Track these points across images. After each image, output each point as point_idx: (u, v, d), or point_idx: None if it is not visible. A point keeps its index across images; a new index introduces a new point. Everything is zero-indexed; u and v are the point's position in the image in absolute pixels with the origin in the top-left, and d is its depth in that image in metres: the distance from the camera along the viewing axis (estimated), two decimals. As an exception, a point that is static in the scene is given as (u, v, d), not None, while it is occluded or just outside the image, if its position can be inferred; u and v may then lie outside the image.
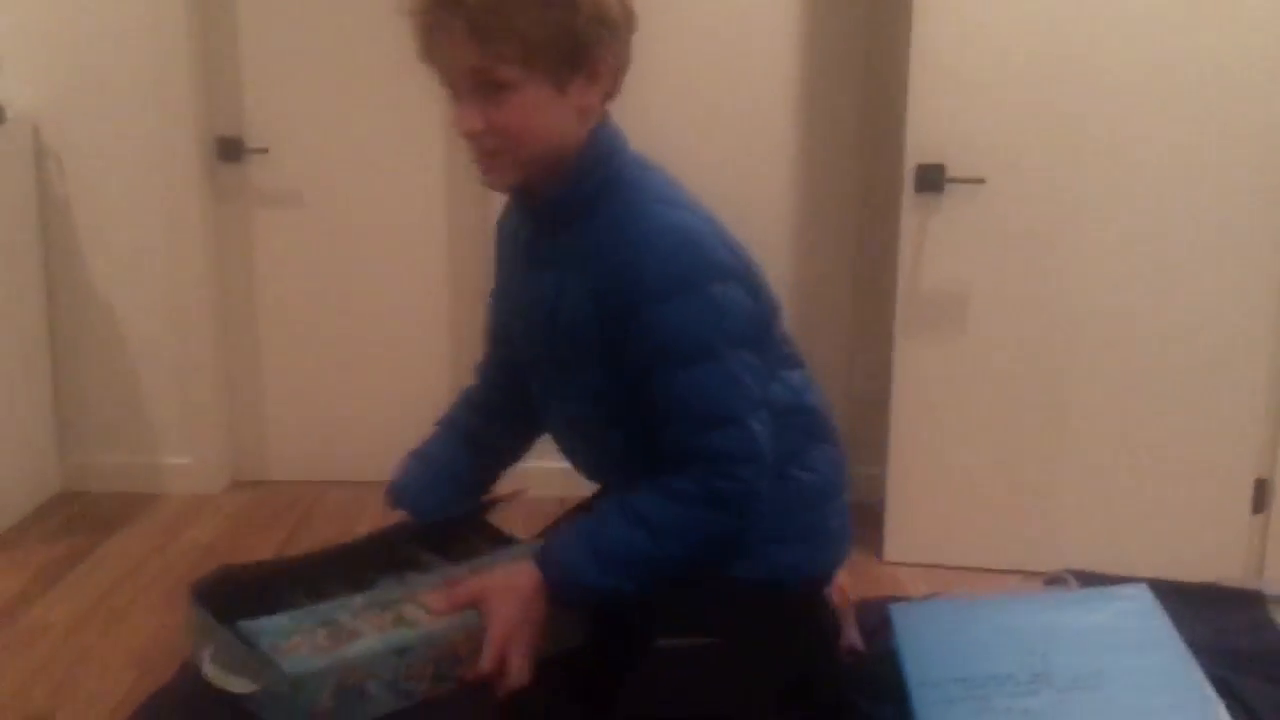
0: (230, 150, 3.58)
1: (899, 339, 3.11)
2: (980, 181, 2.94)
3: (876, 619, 1.68)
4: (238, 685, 1.23)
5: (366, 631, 1.28)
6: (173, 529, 3.40)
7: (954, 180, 2.95)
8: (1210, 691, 1.39)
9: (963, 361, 3.07)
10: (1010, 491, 3.11)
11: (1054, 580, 1.86)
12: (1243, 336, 2.98)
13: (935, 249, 3.03)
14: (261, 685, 1.22)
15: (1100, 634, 1.51)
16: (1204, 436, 3.03)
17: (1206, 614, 1.68)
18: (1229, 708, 1.37)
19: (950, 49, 2.91)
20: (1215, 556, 2.99)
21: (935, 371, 3.09)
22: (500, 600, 1.28)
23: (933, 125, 2.95)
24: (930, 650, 1.51)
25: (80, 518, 3.47)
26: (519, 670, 1.28)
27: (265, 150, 3.57)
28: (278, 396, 3.76)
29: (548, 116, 1.31)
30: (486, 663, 1.27)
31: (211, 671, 1.26)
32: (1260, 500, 3.07)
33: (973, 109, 2.92)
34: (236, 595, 1.32)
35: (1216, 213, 2.92)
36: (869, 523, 3.32)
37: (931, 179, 2.96)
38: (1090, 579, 1.78)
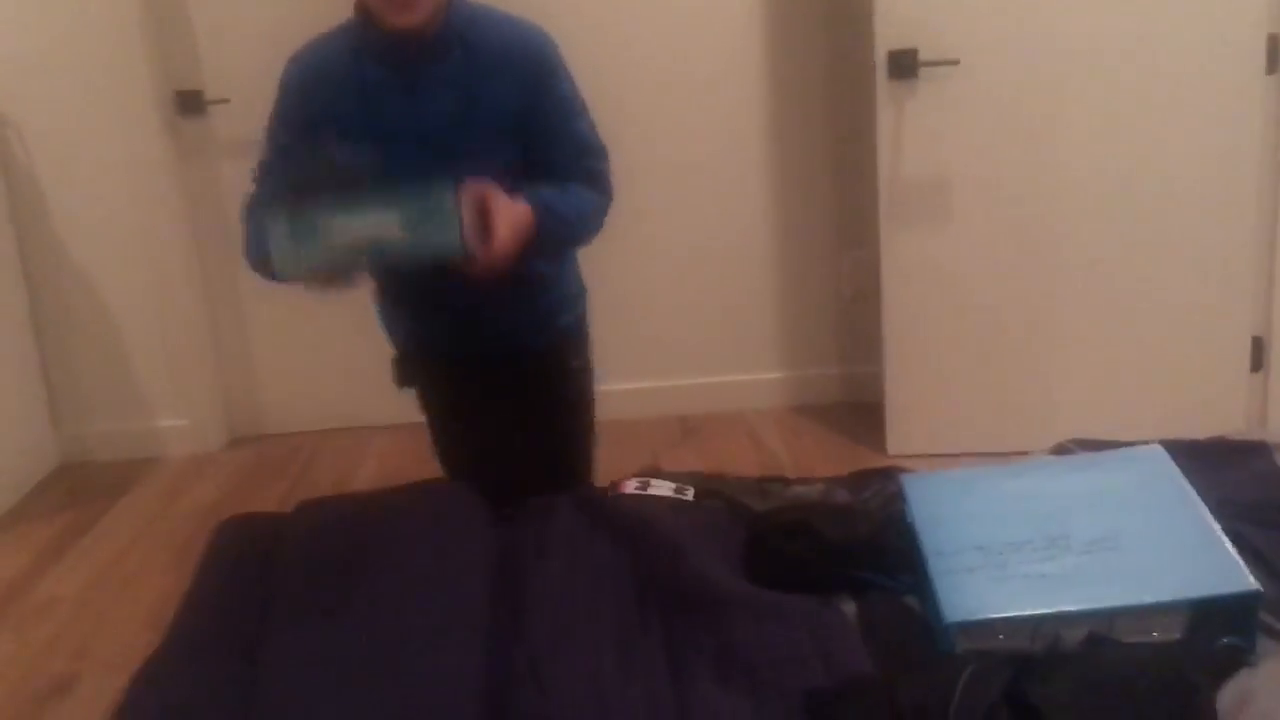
0: (191, 104, 3.50)
1: (885, 231, 3.08)
2: (954, 63, 2.89)
3: (887, 489, 1.67)
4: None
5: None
6: (175, 491, 3.39)
7: (927, 64, 2.90)
8: (1224, 541, 1.39)
9: (950, 248, 3.05)
10: (1009, 372, 3.11)
11: (1061, 451, 1.85)
12: (1233, 197, 2.95)
13: (913, 136, 2.99)
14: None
15: (1115, 495, 1.50)
16: (1198, 298, 3.02)
17: (1216, 469, 1.67)
18: (1244, 558, 1.36)
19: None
20: (1216, 416, 2.99)
21: (924, 261, 3.07)
22: (509, 208, 1.66)
23: (902, 10, 2.89)
24: (945, 519, 1.50)
25: (82, 489, 3.46)
26: (500, 257, 1.63)
27: (227, 101, 3.49)
28: (266, 349, 3.73)
29: None
30: (496, 242, 1.61)
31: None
32: (1258, 358, 3.07)
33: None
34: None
35: (1199, 73, 2.88)
36: (871, 419, 3.33)
37: (905, 64, 2.91)
38: (1096, 447, 1.76)
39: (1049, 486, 1.55)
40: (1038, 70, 2.90)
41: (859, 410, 3.53)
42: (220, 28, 3.45)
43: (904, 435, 3.20)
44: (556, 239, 1.81)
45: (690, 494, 1.76)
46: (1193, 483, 1.51)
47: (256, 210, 1.80)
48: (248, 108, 3.46)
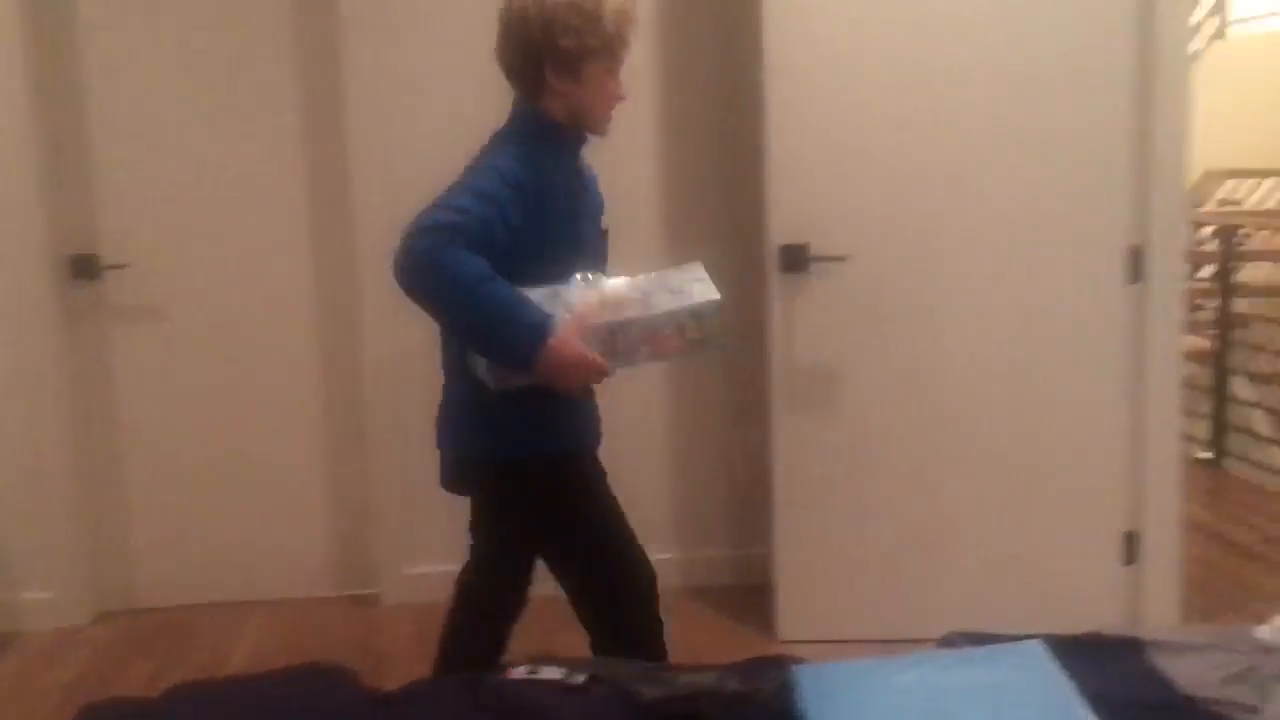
0: (85, 268, 3.46)
1: (776, 418, 3.16)
2: (842, 259, 3.03)
3: (779, 678, 1.66)
4: None
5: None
6: (34, 669, 3.20)
7: (818, 259, 3.04)
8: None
9: (839, 435, 3.13)
10: (897, 560, 3.16)
11: (947, 643, 1.88)
12: (1100, 398, 3.11)
13: (804, 327, 3.10)
14: None
15: (999, 692, 1.52)
16: (1073, 493, 3.13)
17: (1091, 665, 1.71)
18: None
19: (805, 135, 3.01)
20: (1092, 610, 3.07)
21: (813, 448, 3.14)
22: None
23: (794, 208, 3.04)
24: (834, 712, 1.50)
25: (-68, 664, 3.24)
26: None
27: (124, 266, 3.46)
28: (143, 521, 3.60)
29: None
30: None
31: None
32: (1130, 552, 3.18)
33: (831, 189, 3.03)
34: None
35: (1073, 279, 3.06)
36: (761, 603, 3.33)
37: (796, 259, 3.04)
38: (980, 640, 1.80)
39: (935, 681, 1.57)
40: (921, 269, 3.06)
41: (749, 593, 3.53)
42: (123, 192, 3.45)
43: (794, 620, 3.21)
44: None
45: (581, 679, 1.74)
46: (1070, 678, 1.55)
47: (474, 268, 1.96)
48: (145, 273, 3.47)
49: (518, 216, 2.02)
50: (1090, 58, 2.98)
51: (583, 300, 2.02)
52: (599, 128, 2.17)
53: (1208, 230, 5.88)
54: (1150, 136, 3.01)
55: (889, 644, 3.06)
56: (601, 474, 2.36)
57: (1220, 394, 5.07)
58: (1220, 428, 5.04)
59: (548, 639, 3.23)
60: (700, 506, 3.67)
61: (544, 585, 3.50)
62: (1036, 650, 1.61)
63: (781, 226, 3.05)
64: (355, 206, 3.40)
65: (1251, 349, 5.62)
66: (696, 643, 3.28)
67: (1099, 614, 3.07)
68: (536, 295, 2.00)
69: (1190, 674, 1.78)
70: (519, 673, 1.75)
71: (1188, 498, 4.32)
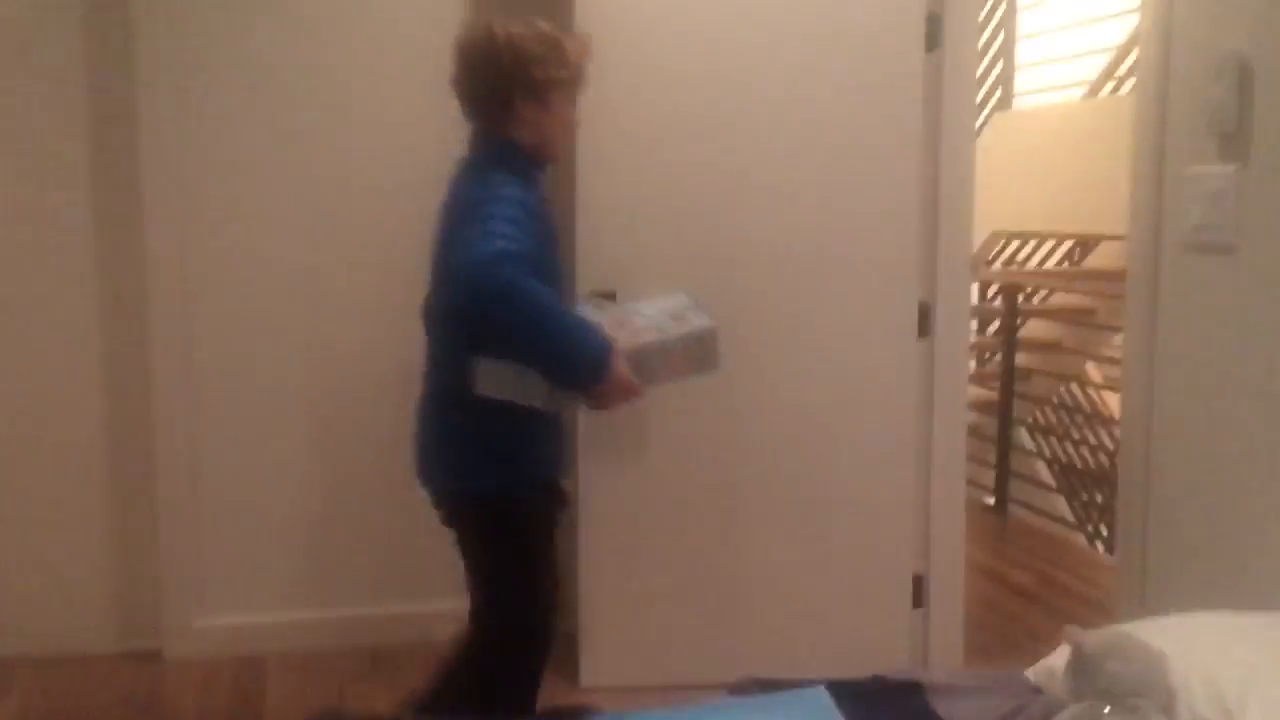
0: None
1: (582, 466, 3.15)
2: (646, 309, 3.07)
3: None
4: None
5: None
6: None
7: (626, 307, 3.06)
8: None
9: (642, 482, 3.15)
10: (696, 606, 3.19)
11: (737, 689, 1.91)
12: (890, 446, 3.23)
13: (612, 374, 3.11)
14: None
15: (782, 738, 1.56)
16: (865, 539, 3.23)
17: (874, 710, 1.77)
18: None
19: (614, 185, 3.05)
20: (884, 651, 3.18)
21: (617, 493, 3.15)
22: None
23: (601, 256, 3.06)
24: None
25: None
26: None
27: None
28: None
29: None
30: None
31: None
32: (919, 595, 3.30)
33: (639, 239, 3.06)
34: None
35: (866, 332, 3.18)
36: (564, 649, 3.29)
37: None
38: (770, 685, 1.83)
39: (724, 729, 1.59)
40: (724, 322, 3.09)
41: (554, 641, 3.50)
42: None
43: (597, 667, 3.20)
44: None
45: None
46: (854, 723, 1.59)
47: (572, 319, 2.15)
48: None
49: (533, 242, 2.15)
50: (883, 123, 3.12)
51: (610, 324, 2.20)
52: (558, 155, 2.32)
53: (994, 288, 6.23)
54: (938, 197, 3.16)
55: (689, 689, 3.10)
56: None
57: (1004, 443, 5.35)
58: (1004, 475, 5.31)
59: (340, 691, 3.14)
60: (505, 553, 3.63)
61: (331, 637, 3.42)
62: (819, 697, 1.65)
63: (589, 274, 3.07)
64: (146, 235, 3.24)
65: (1034, 401, 5.96)
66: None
67: (890, 655, 3.18)
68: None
69: (965, 716, 1.86)
70: (301, 732, 1.68)
71: (974, 542, 4.55)
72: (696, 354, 2.26)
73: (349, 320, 3.42)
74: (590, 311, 2.33)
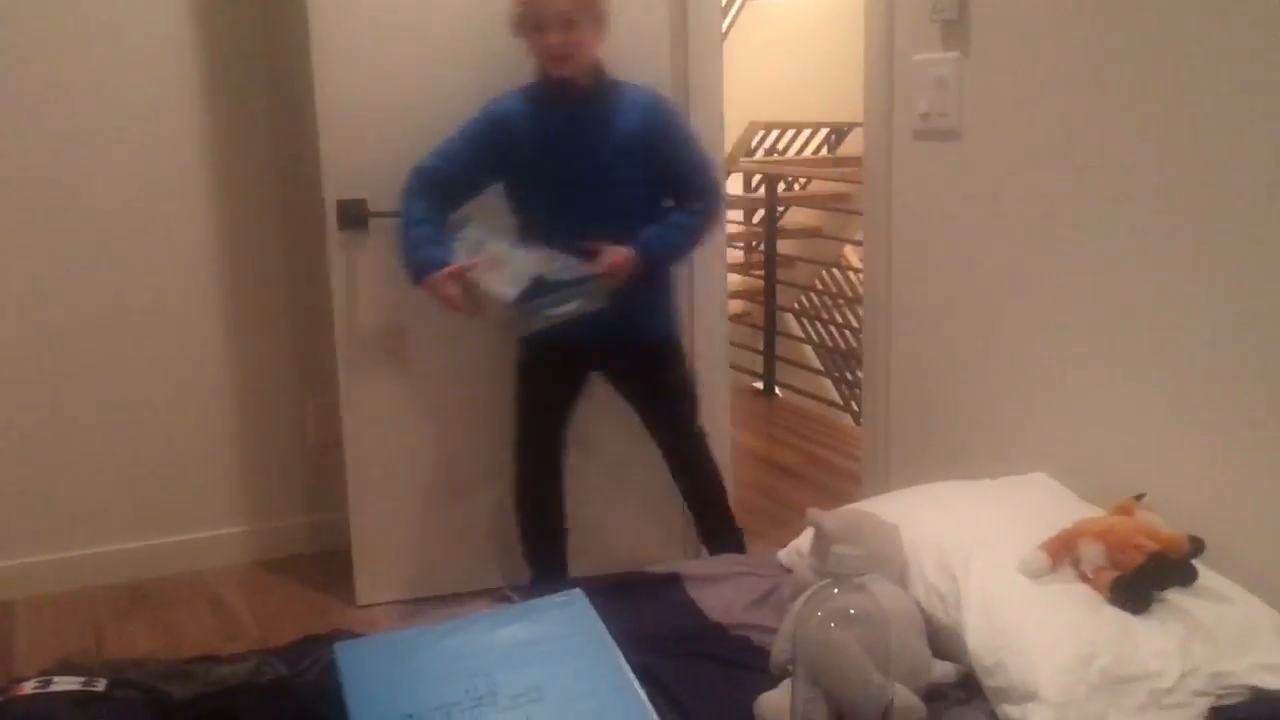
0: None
1: (344, 377, 3.06)
2: (398, 215, 2.96)
3: (326, 658, 1.61)
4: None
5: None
6: None
7: (376, 214, 2.95)
8: (634, 684, 1.48)
9: (406, 393, 3.09)
10: (464, 516, 3.18)
11: (501, 599, 1.91)
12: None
13: (367, 285, 3.02)
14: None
15: (538, 645, 1.56)
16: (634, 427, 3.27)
17: (634, 604, 1.80)
18: (650, 693, 1.46)
19: (354, 89, 2.91)
20: (654, 543, 3.26)
21: (383, 406, 3.08)
22: (617, 251, 2.65)
23: (348, 163, 2.93)
24: (378, 687, 1.47)
25: None
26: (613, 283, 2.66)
27: None
28: None
29: (593, 42, 2.68)
30: (611, 268, 2.64)
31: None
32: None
33: (385, 144, 2.93)
34: None
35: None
36: (338, 569, 3.24)
37: (354, 214, 2.95)
38: (530, 593, 1.84)
39: (480, 642, 1.58)
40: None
41: (329, 560, 3.42)
42: None
43: (372, 583, 3.16)
44: (667, 255, 2.80)
45: (101, 685, 1.59)
46: (612, 621, 1.61)
47: (419, 212, 2.71)
48: None
49: (481, 156, 2.74)
50: (631, 25, 3.07)
51: (483, 259, 2.64)
52: (555, 71, 2.67)
53: (756, 179, 6.37)
54: (689, 86, 3.14)
55: (466, 596, 3.11)
56: None
57: (770, 329, 5.52)
58: (770, 360, 5.50)
59: (98, 633, 3.00)
60: (272, 474, 3.51)
61: (89, 575, 3.25)
62: (577, 599, 1.66)
63: (337, 182, 2.94)
64: None
65: (798, 288, 6.17)
66: (277, 614, 3.15)
67: (662, 548, 3.26)
68: (468, 239, 2.69)
69: (721, 602, 1.92)
70: (28, 687, 1.57)
71: (744, 427, 4.70)
72: (520, 302, 2.59)
73: (103, 242, 3.19)
74: (470, 233, 2.70)
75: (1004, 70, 2.25)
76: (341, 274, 3.00)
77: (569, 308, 2.60)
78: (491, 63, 2.96)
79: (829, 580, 1.39)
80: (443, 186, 2.72)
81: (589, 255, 2.63)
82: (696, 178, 2.78)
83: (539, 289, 2.59)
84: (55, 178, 3.16)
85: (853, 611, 1.35)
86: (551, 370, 2.89)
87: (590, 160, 2.68)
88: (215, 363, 3.40)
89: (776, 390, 5.51)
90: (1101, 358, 2.09)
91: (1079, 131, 2.08)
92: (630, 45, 3.06)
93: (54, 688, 1.57)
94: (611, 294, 2.64)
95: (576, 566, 3.01)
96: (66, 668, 1.62)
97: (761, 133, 6.84)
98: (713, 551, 2.98)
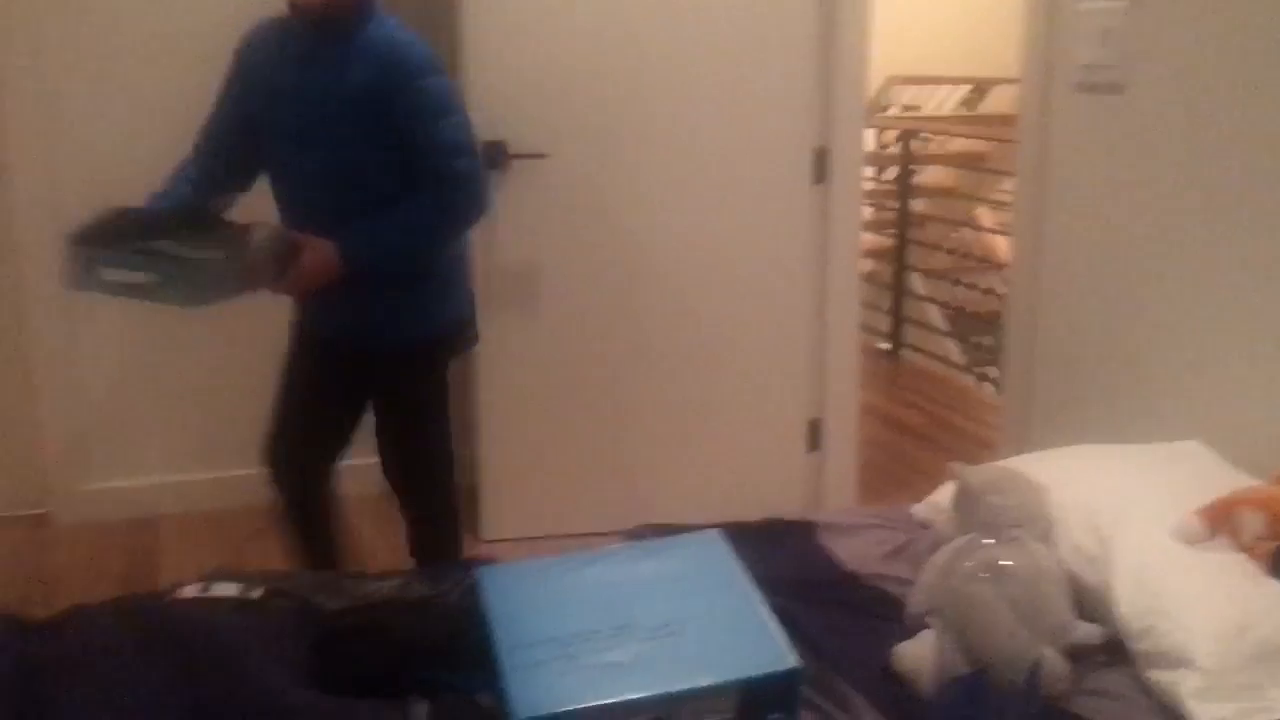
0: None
1: (481, 320, 3.10)
2: (542, 156, 2.99)
3: (467, 581, 1.65)
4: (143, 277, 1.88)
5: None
6: None
7: (517, 156, 2.98)
8: (773, 624, 1.48)
9: (541, 333, 3.13)
10: (595, 457, 3.21)
11: (635, 535, 1.93)
12: (786, 292, 3.24)
13: (505, 225, 3.05)
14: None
15: (677, 580, 1.57)
16: (760, 387, 3.27)
17: (768, 549, 1.80)
18: (789, 635, 1.46)
19: (502, 32, 2.93)
20: (780, 496, 3.25)
21: (516, 346, 3.13)
22: (315, 248, 2.09)
23: (492, 105, 2.95)
24: (519, 612, 1.50)
25: None
26: (299, 285, 2.12)
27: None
28: None
29: None
30: (304, 267, 2.07)
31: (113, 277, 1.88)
32: (814, 439, 3.37)
33: (529, 88, 2.96)
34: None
35: (761, 179, 3.15)
36: (467, 503, 3.30)
37: (494, 156, 2.97)
38: (666, 531, 1.85)
39: (617, 574, 1.60)
40: (617, 168, 3.07)
41: (454, 494, 3.50)
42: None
43: (498, 519, 3.22)
44: (378, 257, 2.15)
45: (258, 593, 1.66)
46: (747, 564, 1.61)
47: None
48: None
49: (230, 97, 2.25)
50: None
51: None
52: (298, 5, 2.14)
53: (893, 134, 6.23)
54: (833, 43, 3.10)
55: (592, 538, 3.14)
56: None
57: (898, 289, 5.43)
58: (898, 321, 5.41)
59: (237, 551, 3.12)
60: (403, 409, 3.59)
61: (227, 497, 3.37)
62: (714, 539, 1.67)
63: (479, 123, 2.95)
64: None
65: (927, 247, 6.04)
66: (401, 547, 3.24)
67: (785, 499, 3.25)
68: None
69: (854, 552, 1.91)
70: (189, 591, 1.65)
71: (868, 387, 4.64)
72: (153, 279, 1.93)
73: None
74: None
75: (1176, 21, 2.15)
76: (481, 213, 3.03)
77: (135, 278, 1.90)
78: (635, 19, 2.97)
79: (978, 533, 1.36)
80: (210, 139, 2.26)
81: (243, 235, 2.03)
82: (433, 160, 2.11)
83: (106, 237, 1.94)
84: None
85: (1005, 563, 1.33)
86: (310, 358, 2.37)
87: (315, 113, 2.11)
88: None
89: (900, 352, 5.43)
90: (1261, 325, 2.00)
91: (1253, 87, 1.98)
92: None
93: (213, 592, 1.64)
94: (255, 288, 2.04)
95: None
96: (225, 574, 1.69)
97: (901, 87, 6.69)
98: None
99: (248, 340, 3.38)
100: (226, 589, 1.65)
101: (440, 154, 2.10)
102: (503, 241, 3.06)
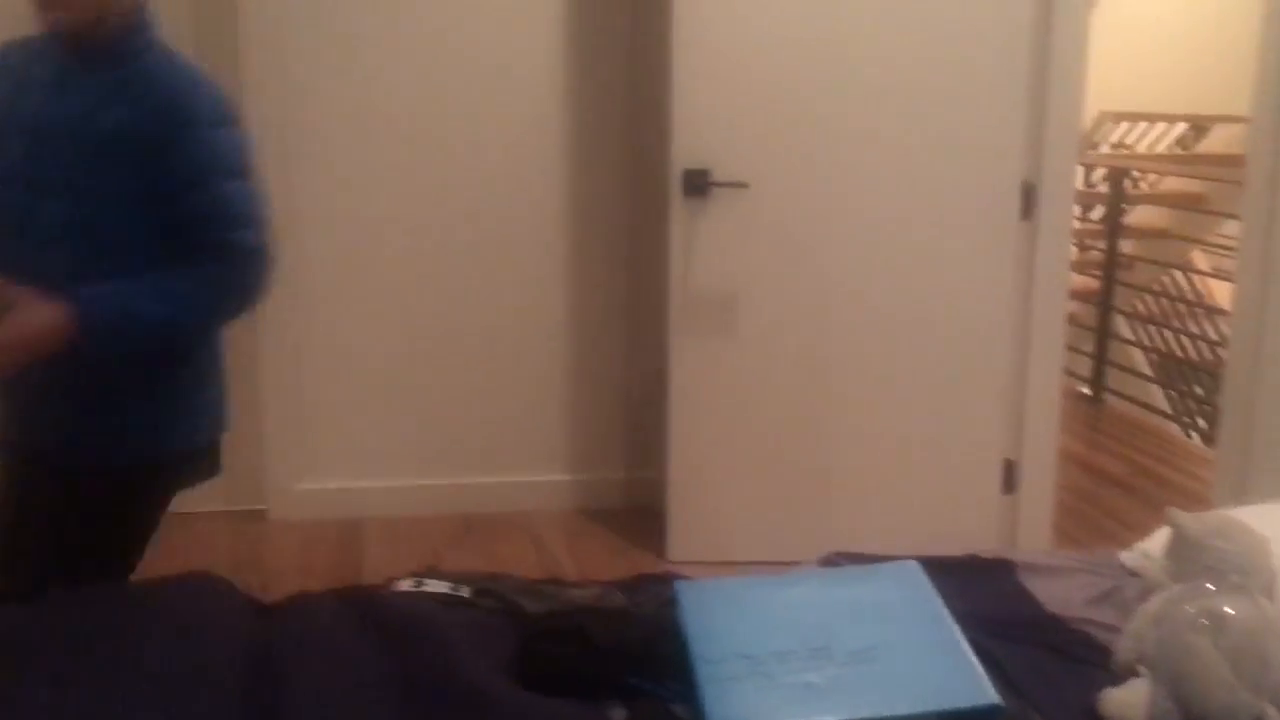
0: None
1: (673, 342, 3.16)
2: (744, 186, 3.03)
3: (662, 594, 1.69)
4: None
5: None
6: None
7: (719, 184, 3.03)
8: (972, 657, 1.46)
9: (734, 361, 3.15)
10: (784, 485, 3.21)
11: (828, 562, 1.93)
12: (987, 330, 3.18)
13: (704, 252, 3.10)
14: None
15: (875, 608, 1.56)
16: (956, 424, 3.21)
17: (966, 585, 1.77)
18: (988, 672, 1.44)
19: (710, 62, 2.99)
20: (972, 535, 3.16)
21: (709, 372, 3.16)
22: (34, 310, 1.63)
23: (697, 133, 3.02)
24: (715, 627, 1.53)
25: None
26: (6, 361, 1.64)
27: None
28: None
29: None
30: (12, 330, 1.61)
31: None
32: (1009, 481, 3.28)
33: (734, 117, 3.01)
34: None
35: (967, 212, 3.11)
36: (651, 524, 3.37)
37: (698, 184, 3.03)
38: (860, 560, 1.84)
39: (814, 598, 1.60)
40: (819, 198, 3.08)
41: (641, 515, 3.56)
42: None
43: (684, 542, 3.25)
44: (123, 329, 1.70)
45: (466, 592, 1.74)
46: (944, 598, 1.60)
47: None
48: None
49: None
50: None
51: None
52: (39, 15, 1.73)
53: (1100, 172, 6.03)
54: (1047, 76, 3.05)
55: (776, 565, 3.14)
56: None
57: (1103, 332, 5.23)
58: (1101, 364, 5.21)
59: (435, 555, 3.25)
60: (595, 429, 3.68)
61: (427, 504, 3.52)
62: (913, 569, 1.65)
63: (684, 151, 3.03)
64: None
65: (1135, 290, 5.81)
66: (588, 563, 3.31)
67: (977, 539, 3.16)
68: None
69: (1057, 595, 1.85)
70: (404, 586, 1.74)
71: (1067, 430, 4.49)
72: None
73: (461, 185, 3.46)
74: None
75: None
76: (681, 239, 3.09)
77: None
78: (844, 50, 2.98)
79: (1200, 580, 1.31)
80: None
81: None
82: (209, 231, 1.74)
83: None
84: (430, 114, 3.41)
85: (1228, 611, 1.28)
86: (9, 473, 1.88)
87: (54, 154, 1.74)
88: (552, 316, 3.59)
89: (1102, 396, 5.23)
90: None
91: None
92: (990, 19, 2.99)
93: (426, 588, 1.73)
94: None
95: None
96: (436, 573, 1.78)
97: (1110, 123, 6.48)
98: None
99: (452, 352, 3.55)
100: (438, 586, 1.73)
101: (219, 224, 1.74)
102: (700, 268, 3.11)
